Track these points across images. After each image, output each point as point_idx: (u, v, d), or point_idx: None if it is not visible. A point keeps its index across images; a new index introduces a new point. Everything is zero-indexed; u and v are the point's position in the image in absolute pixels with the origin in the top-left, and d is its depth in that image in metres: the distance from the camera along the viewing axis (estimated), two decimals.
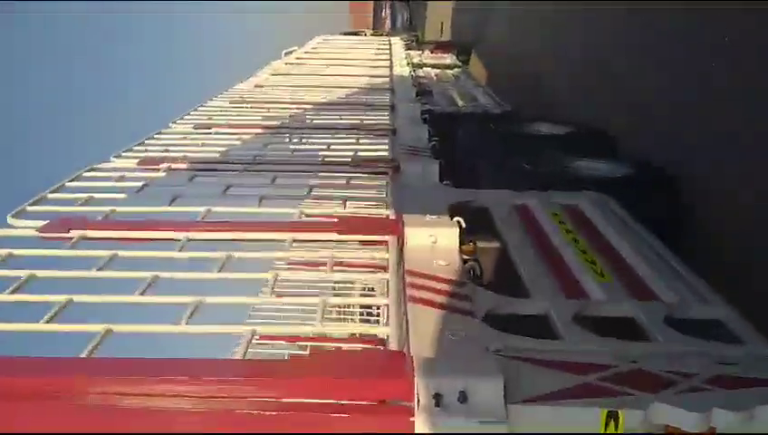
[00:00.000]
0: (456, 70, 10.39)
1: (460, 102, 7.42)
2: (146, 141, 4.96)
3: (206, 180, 4.02)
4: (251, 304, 3.42)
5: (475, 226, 3.55)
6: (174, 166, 4.24)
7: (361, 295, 4.88)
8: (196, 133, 5.29)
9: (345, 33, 24.42)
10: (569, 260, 2.92)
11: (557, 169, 4.72)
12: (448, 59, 11.96)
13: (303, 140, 5.08)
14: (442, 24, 16.25)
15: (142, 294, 2.40)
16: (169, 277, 2.59)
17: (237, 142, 5.02)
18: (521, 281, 2.87)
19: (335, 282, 4.12)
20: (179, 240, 2.98)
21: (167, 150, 4.69)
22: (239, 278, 2.62)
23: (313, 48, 12.53)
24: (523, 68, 9.84)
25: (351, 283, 4.59)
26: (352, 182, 3.97)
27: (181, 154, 4.55)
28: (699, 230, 4.05)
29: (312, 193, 3.78)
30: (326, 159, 4.42)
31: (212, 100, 6.77)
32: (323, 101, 6.81)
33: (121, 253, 2.79)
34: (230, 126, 5.49)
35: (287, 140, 5.15)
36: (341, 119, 5.87)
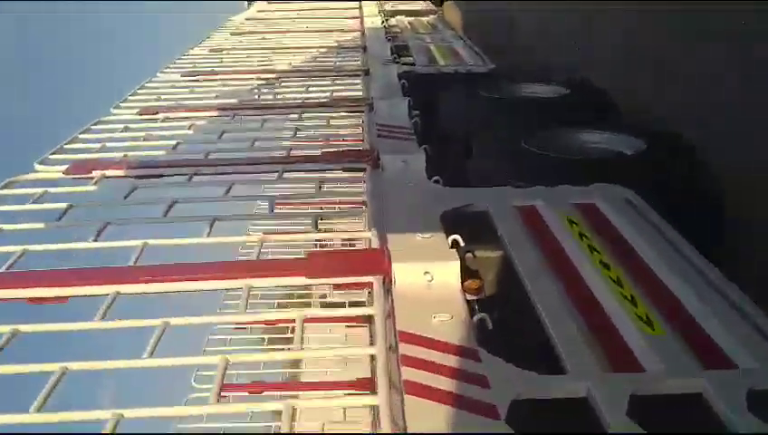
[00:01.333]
0: (431, 17, 9.56)
1: (440, 60, 6.67)
2: (79, 136, 4.22)
3: (146, 194, 3.33)
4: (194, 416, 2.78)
5: (474, 233, 2.98)
6: (109, 173, 3.53)
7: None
8: (140, 121, 4.54)
9: None
10: (601, 297, 2.30)
11: (561, 148, 4.08)
12: (422, 3, 11.11)
13: (265, 125, 4.36)
14: None
15: (40, 410, 1.75)
16: (85, 368, 1.94)
17: (188, 131, 4.28)
18: (536, 314, 2.29)
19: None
20: (106, 295, 2.33)
21: (103, 149, 3.97)
22: (178, 365, 1.98)
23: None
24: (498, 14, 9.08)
25: None
26: (324, 187, 3.30)
27: (120, 154, 3.83)
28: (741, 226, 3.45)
29: (276, 208, 3.11)
30: (292, 155, 3.73)
31: (162, 72, 5.99)
32: (288, 68, 6.05)
33: (24, 328, 2.13)
34: (180, 109, 4.74)
35: (246, 125, 4.43)
36: (308, 91, 5.14)
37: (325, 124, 4.34)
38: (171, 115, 4.63)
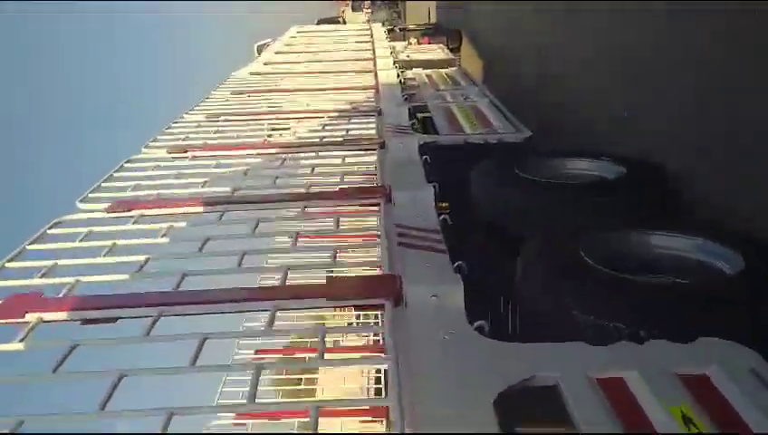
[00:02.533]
0: (450, 69, 8.75)
1: (466, 124, 5.81)
2: (27, 247, 3.40)
3: (92, 350, 2.48)
4: None
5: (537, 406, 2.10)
6: (49, 315, 2.68)
7: None
8: (107, 222, 3.72)
9: (321, 21, 22.48)
10: None
11: (633, 260, 3.20)
12: (439, 51, 10.34)
13: (258, 229, 3.50)
14: (429, 9, 14.62)
15: None
16: None
17: (164, 240, 3.44)
18: None
19: None
20: None
21: (48, 272, 3.10)
22: None
23: (287, 45, 10.99)
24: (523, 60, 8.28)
25: None
26: (329, 335, 2.44)
27: (70, 280, 2.98)
28: None
29: (261, 376, 2.23)
30: (288, 282, 2.87)
31: (146, 147, 5.17)
32: (291, 139, 5.26)
33: None
34: (158, 204, 3.92)
35: (235, 230, 3.59)
36: (314, 175, 4.32)
37: (332, 226, 3.50)
38: (147, 212, 3.82)
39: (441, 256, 3.07)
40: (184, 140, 5.32)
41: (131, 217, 3.76)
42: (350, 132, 5.31)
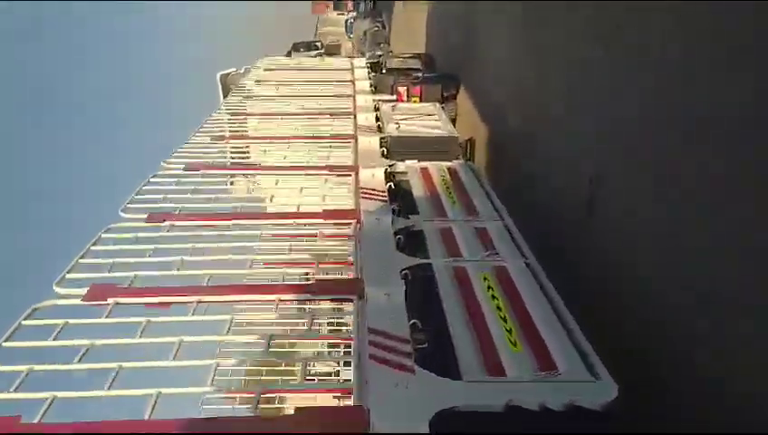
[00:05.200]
0: (454, 162, 6.81)
1: (501, 343, 3.63)
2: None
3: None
4: None
5: None
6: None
7: None
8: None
9: (297, 45, 21.03)
10: None
11: None
12: (435, 119, 8.21)
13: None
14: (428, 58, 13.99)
15: None
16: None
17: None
18: None
19: None
20: None
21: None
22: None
23: (249, 91, 9.83)
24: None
25: None
26: None
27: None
28: None
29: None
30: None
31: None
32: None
33: None
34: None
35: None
36: None
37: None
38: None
39: None
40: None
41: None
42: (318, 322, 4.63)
